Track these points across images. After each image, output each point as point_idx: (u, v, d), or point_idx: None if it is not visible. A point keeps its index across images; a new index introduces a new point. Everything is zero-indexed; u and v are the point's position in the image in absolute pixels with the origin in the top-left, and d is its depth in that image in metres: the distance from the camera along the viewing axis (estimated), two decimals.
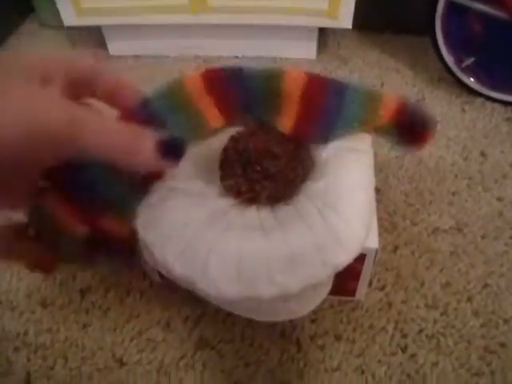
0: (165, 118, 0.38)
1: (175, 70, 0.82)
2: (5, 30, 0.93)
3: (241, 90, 0.38)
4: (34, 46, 0.90)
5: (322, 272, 0.35)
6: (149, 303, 0.49)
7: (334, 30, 0.86)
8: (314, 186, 0.38)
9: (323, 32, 0.85)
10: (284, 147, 0.39)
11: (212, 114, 0.39)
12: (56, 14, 0.80)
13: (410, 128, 0.42)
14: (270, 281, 0.34)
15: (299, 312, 0.38)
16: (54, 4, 0.78)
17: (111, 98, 0.33)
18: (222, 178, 0.40)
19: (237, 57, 0.85)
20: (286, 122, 0.39)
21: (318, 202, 0.37)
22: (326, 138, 0.40)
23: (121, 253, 0.39)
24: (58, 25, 0.85)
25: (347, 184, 0.38)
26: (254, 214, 0.39)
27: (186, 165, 0.41)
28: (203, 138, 0.41)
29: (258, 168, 0.38)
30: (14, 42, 0.92)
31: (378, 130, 0.41)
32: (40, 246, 0.34)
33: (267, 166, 0.38)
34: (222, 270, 0.34)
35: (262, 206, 0.39)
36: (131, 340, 0.46)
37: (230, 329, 0.47)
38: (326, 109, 0.39)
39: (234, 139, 0.40)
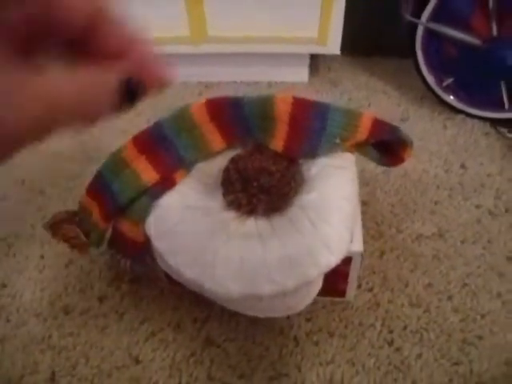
0: (174, 139, 0.45)
1: (179, 95, 0.88)
2: None
3: (240, 117, 0.45)
4: None
5: (314, 272, 0.40)
6: (160, 307, 0.54)
7: (324, 56, 0.92)
8: (305, 199, 0.44)
9: (314, 57, 0.91)
10: (278, 165, 0.45)
11: (214, 139, 0.45)
12: None
13: (386, 145, 0.48)
14: (269, 280, 0.40)
15: (295, 308, 0.43)
16: None
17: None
18: (225, 194, 0.46)
19: (235, 82, 0.91)
20: (278, 142, 0.45)
21: (309, 212, 0.42)
22: (313, 153, 0.46)
23: (132, 251, 0.48)
24: None
25: (333, 196, 0.43)
26: (253, 224, 0.45)
27: (192, 182, 0.47)
28: (207, 158, 0.47)
29: (256, 184, 0.44)
30: None
31: (358, 148, 0.47)
32: (80, 233, 0.47)
33: (263, 182, 0.44)
34: (227, 272, 0.40)
35: (260, 216, 0.45)
36: (145, 340, 0.51)
37: (233, 328, 0.52)
38: (312, 128, 0.44)
39: (233, 161, 0.46)
